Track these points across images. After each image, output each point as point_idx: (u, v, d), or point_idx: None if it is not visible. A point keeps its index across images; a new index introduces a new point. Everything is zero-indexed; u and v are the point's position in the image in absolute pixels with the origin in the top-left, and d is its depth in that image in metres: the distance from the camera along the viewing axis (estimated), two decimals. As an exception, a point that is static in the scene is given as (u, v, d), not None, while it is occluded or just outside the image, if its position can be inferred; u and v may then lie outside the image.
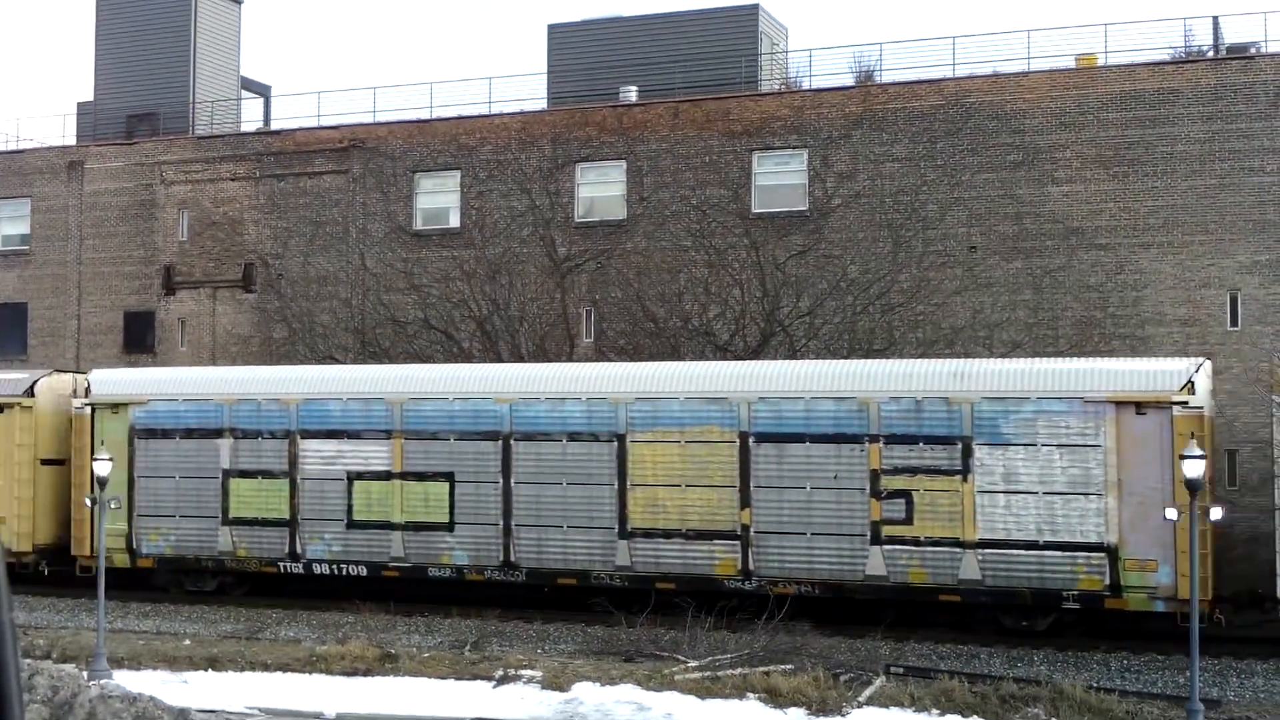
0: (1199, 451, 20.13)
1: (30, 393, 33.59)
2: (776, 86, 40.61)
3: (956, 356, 32.59)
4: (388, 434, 30.40)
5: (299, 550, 31.17)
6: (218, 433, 31.85)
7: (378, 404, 30.64)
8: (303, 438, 31.12)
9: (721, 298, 37.19)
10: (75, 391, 34.15)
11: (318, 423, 31.05)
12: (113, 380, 33.60)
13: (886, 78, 37.83)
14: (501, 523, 29.55)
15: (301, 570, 31.32)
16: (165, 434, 32.30)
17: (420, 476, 30.13)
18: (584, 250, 38.69)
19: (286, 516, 31.24)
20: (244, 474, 31.62)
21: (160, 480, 32.31)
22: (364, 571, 30.74)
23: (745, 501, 27.78)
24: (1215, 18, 36.18)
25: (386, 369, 33.42)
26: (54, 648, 25.72)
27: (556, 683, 22.34)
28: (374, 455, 30.54)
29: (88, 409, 32.86)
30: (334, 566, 31.02)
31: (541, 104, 41.49)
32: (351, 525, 30.75)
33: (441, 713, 21.43)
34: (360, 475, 30.65)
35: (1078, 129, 34.33)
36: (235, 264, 42.76)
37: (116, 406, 32.62)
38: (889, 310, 35.57)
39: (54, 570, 33.33)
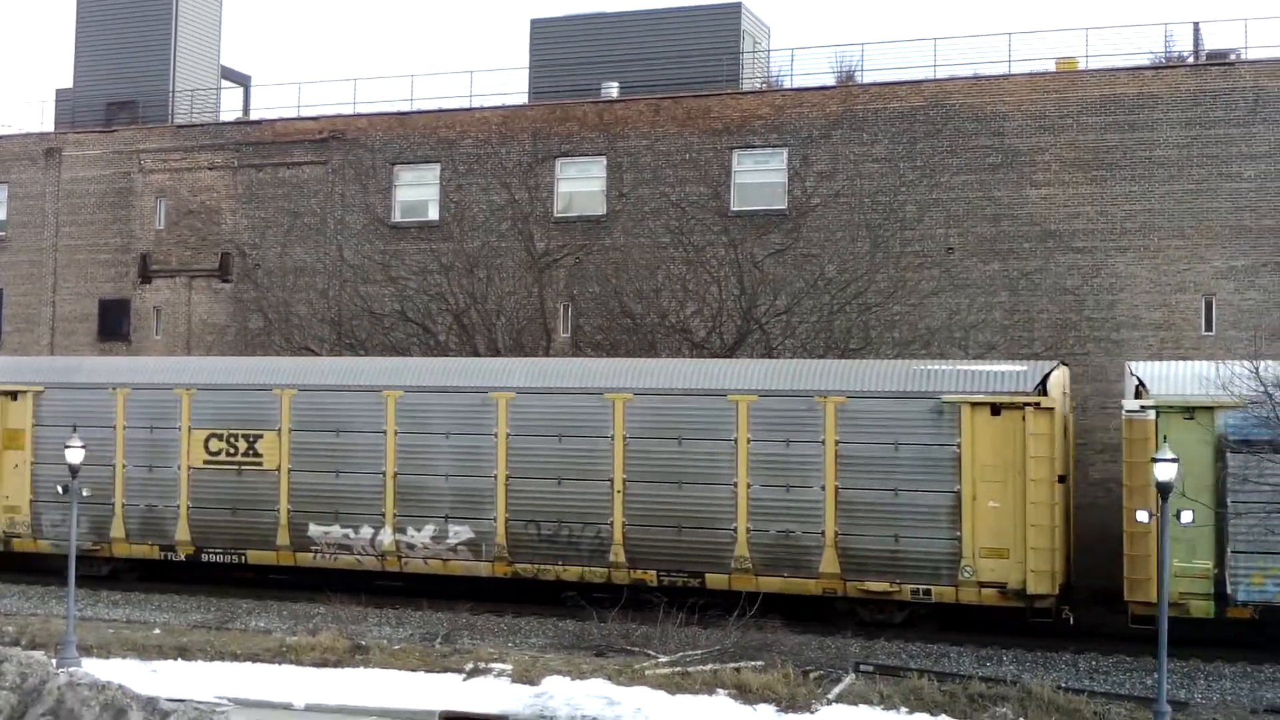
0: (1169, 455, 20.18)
1: (1043, 389, 27.47)
2: (758, 85, 40.67)
3: (932, 358, 32.67)
4: None
5: None
6: None
7: None
8: None
9: (699, 295, 37.21)
10: (1064, 387, 28.95)
11: None
12: (1185, 376, 26.57)
13: (867, 78, 37.95)
14: None
15: None
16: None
17: None
18: (562, 245, 38.66)
19: None
20: None
21: None
22: None
23: None
24: (1196, 24, 36.46)
25: None
26: (23, 635, 25.62)
27: (527, 676, 22.38)
28: None
29: (1149, 413, 26.04)
30: None
31: (522, 98, 41.47)
32: None
33: (411, 705, 21.41)
34: None
35: (1057, 132, 34.46)
36: (212, 253, 42.59)
37: (1191, 410, 25.80)
38: (866, 310, 35.64)
39: (1077, 618, 27.29)
